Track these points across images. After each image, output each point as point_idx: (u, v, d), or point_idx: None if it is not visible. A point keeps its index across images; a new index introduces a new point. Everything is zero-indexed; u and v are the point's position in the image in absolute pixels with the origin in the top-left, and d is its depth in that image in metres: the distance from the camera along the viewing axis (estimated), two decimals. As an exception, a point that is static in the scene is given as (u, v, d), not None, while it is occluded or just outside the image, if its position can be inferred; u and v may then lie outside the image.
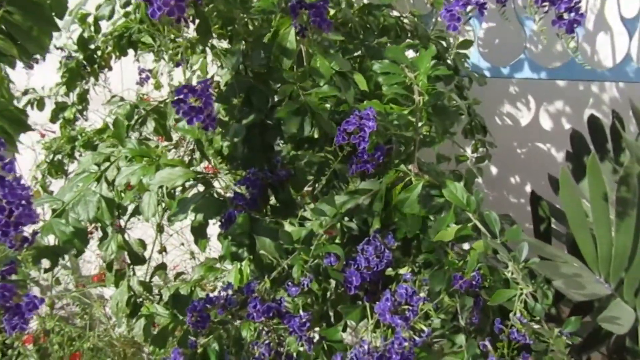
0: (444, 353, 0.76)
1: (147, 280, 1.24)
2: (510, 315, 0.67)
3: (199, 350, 0.83)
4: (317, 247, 0.78)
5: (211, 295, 0.78)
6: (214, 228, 0.94)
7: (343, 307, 0.81)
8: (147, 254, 1.49)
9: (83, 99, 1.49)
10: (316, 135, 0.86)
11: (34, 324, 1.76)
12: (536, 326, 0.69)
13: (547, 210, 1.27)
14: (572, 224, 1.09)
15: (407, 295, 0.72)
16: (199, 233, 0.85)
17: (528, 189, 1.58)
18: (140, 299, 1.21)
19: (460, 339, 0.75)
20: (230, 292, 0.78)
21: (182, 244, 1.77)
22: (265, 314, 0.76)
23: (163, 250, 1.62)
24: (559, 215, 1.36)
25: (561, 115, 1.54)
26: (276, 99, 0.91)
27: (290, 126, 0.82)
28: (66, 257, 1.98)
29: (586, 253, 1.06)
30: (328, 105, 0.86)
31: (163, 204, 1.09)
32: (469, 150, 1.42)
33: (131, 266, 1.19)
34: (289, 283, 0.78)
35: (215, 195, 0.88)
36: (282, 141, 0.90)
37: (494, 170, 1.61)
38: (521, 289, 0.67)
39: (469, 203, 0.74)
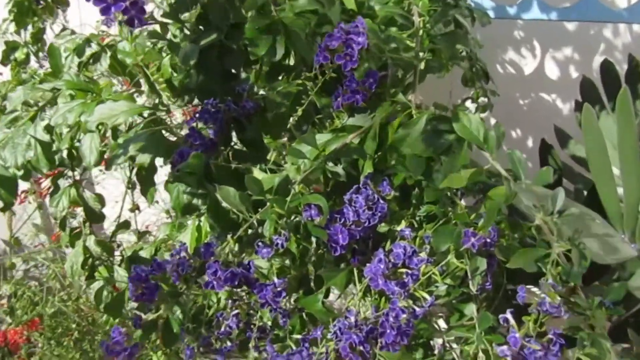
0: (450, 326, 0.59)
1: (110, 240, 1.07)
2: (541, 281, 0.50)
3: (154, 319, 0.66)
4: (294, 198, 0.60)
5: (159, 260, 0.60)
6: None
7: (324, 271, 0.64)
8: (116, 212, 1.32)
9: (38, 38, 1.28)
10: (292, 62, 0.67)
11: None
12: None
13: (558, 161, 1.10)
14: (595, 173, 0.91)
15: (406, 255, 0.56)
16: (146, 179, 0.67)
17: (530, 142, 1.41)
18: (100, 261, 1.04)
19: (470, 309, 0.59)
20: (184, 254, 0.60)
21: (157, 202, 1.59)
22: (228, 282, 0.58)
23: (135, 208, 1.44)
24: (564, 169, 1.19)
25: (569, 62, 1.36)
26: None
27: (258, 47, 0.63)
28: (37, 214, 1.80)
29: (610, 208, 0.89)
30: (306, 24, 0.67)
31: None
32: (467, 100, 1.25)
33: (86, 224, 1.01)
34: (259, 243, 0.61)
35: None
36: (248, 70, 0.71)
37: (493, 122, 1.43)
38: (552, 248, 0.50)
39: (486, 139, 0.57)
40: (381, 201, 0.60)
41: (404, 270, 0.56)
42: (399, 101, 0.63)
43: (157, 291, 0.60)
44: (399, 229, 0.61)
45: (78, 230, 1.05)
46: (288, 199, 0.60)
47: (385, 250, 0.58)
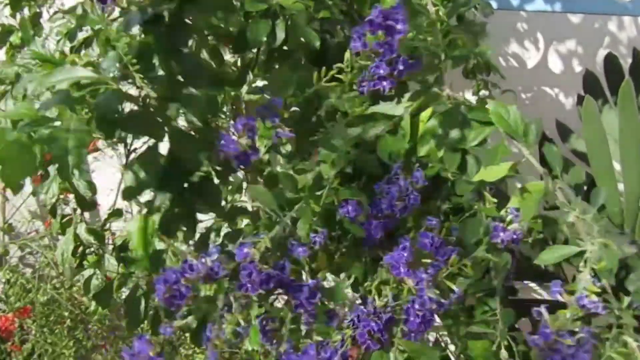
0: (473, 321, 0.60)
1: (102, 228, 1.03)
2: (579, 276, 0.49)
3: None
4: (329, 194, 0.58)
5: (192, 262, 0.56)
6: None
7: (344, 261, 0.61)
8: (111, 200, 1.27)
9: (34, 22, 1.23)
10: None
11: None
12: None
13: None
14: (595, 167, 0.88)
15: (433, 246, 0.54)
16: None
17: (531, 136, 1.38)
18: (91, 249, 1.00)
19: (495, 303, 0.59)
20: (215, 257, 0.56)
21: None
22: (263, 284, 0.55)
23: (131, 196, 1.39)
24: (565, 164, 1.16)
25: (572, 56, 1.33)
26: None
27: (257, 33, 0.60)
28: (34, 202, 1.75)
29: (610, 204, 0.86)
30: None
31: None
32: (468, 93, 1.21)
33: (77, 211, 0.97)
34: (293, 242, 0.58)
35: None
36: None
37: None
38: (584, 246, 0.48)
39: (526, 133, 0.56)
40: (414, 192, 0.59)
41: (427, 260, 0.55)
42: (431, 91, 0.62)
43: (188, 294, 0.56)
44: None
45: (70, 217, 1.01)
46: (323, 195, 0.57)
47: (411, 239, 0.56)
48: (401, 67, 0.59)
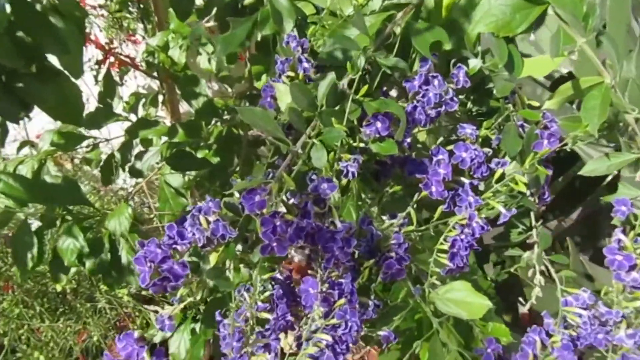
0: (508, 244, 0.48)
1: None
2: None
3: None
4: (352, 108, 0.40)
5: (179, 227, 0.37)
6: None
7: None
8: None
9: None
10: None
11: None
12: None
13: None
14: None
15: (475, 161, 0.39)
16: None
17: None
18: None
19: (531, 220, 0.45)
20: (215, 211, 0.37)
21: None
22: (293, 240, 0.37)
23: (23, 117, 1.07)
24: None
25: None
26: None
27: None
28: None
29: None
30: None
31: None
32: None
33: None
34: (313, 177, 0.40)
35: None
36: None
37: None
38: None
39: (587, 15, 0.40)
40: (453, 93, 0.42)
41: (463, 179, 0.41)
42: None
43: (185, 273, 0.37)
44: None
45: None
46: (347, 109, 0.40)
47: (450, 152, 0.41)
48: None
